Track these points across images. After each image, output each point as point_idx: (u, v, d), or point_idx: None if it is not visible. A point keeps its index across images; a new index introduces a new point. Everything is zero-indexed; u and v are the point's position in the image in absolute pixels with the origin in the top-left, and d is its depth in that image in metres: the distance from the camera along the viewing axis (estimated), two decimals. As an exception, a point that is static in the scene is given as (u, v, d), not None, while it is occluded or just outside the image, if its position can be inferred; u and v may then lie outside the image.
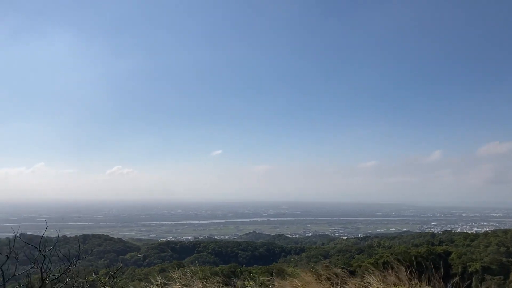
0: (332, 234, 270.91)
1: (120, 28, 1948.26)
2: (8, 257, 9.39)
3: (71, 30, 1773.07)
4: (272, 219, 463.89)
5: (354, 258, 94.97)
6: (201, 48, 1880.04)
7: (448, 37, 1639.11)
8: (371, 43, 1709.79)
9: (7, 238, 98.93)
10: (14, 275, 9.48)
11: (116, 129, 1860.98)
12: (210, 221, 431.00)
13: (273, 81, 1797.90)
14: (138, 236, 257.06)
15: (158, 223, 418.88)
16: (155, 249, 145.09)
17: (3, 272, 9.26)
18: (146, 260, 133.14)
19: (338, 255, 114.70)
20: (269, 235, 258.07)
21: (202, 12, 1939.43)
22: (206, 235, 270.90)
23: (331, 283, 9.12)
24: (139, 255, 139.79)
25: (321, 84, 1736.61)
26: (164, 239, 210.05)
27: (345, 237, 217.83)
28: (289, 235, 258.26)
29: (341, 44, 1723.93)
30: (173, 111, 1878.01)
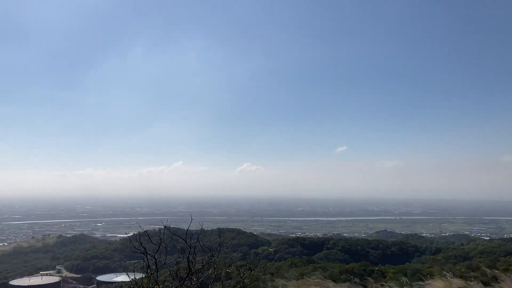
0: (472, 234, 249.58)
1: (241, 32, 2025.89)
2: (159, 247, 10.50)
3: (199, 39, 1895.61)
4: (404, 217, 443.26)
5: (499, 261, 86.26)
6: (321, 44, 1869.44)
7: None
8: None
9: (153, 229, 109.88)
10: (165, 263, 10.56)
11: (245, 128, 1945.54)
12: (338, 218, 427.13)
13: (399, 75, 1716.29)
14: (268, 231, 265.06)
15: (287, 218, 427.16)
16: (285, 244, 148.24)
17: (155, 260, 10.38)
18: (277, 255, 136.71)
19: (480, 257, 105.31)
20: (401, 234, 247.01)
21: (317, 8, 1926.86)
22: (335, 232, 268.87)
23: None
24: (270, 249, 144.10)
25: (449, 78, 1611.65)
26: (294, 235, 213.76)
27: (488, 238, 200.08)
28: (423, 234, 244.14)
29: (468, 37, 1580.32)
30: (298, 109, 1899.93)
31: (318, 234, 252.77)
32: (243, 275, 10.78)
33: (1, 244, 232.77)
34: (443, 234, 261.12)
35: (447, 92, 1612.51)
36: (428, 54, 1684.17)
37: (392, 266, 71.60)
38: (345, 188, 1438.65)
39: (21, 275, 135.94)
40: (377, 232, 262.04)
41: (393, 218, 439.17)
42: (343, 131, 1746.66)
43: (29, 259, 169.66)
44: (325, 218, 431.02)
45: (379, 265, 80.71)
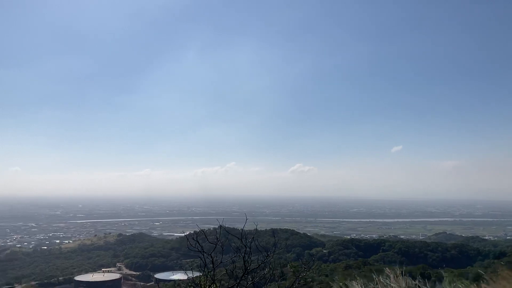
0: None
1: (293, 33, 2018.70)
2: (215, 246, 10.71)
3: (251, 41, 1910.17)
4: (464, 219, 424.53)
5: None
6: (372, 42, 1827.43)
7: None
8: None
9: (209, 229, 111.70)
10: (221, 262, 10.77)
11: (297, 128, 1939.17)
12: (394, 220, 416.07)
13: (458, 72, 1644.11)
14: (322, 232, 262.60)
15: (341, 220, 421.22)
16: (339, 245, 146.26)
17: (212, 259, 10.60)
18: (331, 256, 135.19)
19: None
20: (461, 236, 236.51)
21: (371, 6, 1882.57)
22: (391, 234, 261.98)
23: None
24: (324, 250, 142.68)
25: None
26: (348, 236, 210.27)
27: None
28: (486, 237, 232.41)
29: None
30: (351, 109, 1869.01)
31: (374, 235, 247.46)
32: (298, 276, 10.79)
33: (67, 241, 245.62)
34: (508, 237, 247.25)
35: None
36: (491, 50, 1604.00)
37: (452, 269, 68.83)
38: (401, 189, 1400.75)
39: (85, 271, 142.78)
40: (435, 234, 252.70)
41: (452, 219, 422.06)
42: (399, 130, 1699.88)
43: (91, 256, 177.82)
44: (381, 220, 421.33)
45: (439, 268, 77.88)
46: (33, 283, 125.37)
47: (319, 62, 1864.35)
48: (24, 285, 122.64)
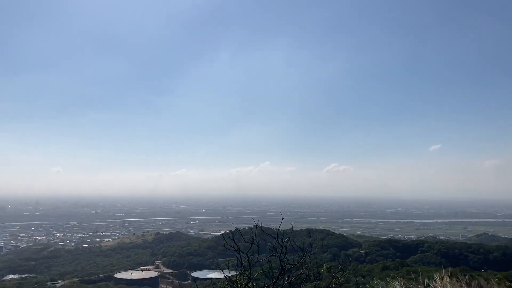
0: None
1: (327, 31, 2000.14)
2: (251, 245, 10.79)
3: (284, 40, 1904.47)
4: (508, 220, 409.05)
5: None
6: (408, 39, 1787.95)
7: None
8: None
9: (244, 228, 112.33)
10: (257, 261, 10.83)
11: (332, 127, 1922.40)
12: (433, 220, 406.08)
13: (500, 68, 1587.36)
14: (358, 233, 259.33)
15: (378, 220, 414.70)
16: (376, 246, 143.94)
17: (248, 258, 10.68)
18: (368, 257, 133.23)
19: None
20: (505, 238, 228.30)
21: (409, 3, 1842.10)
22: (430, 235, 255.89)
23: None
24: (361, 251, 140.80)
25: None
26: (385, 237, 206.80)
27: None
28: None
29: None
30: (387, 107, 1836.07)
31: (412, 236, 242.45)
32: (335, 276, 10.72)
33: (107, 240, 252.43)
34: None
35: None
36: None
37: (495, 272, 66.48)
38: (440, 189, 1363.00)
39: (124, 269, 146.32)
40: (477, 236, 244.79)
41: (495, 220, 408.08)
42: (437, 129, 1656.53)
43: (130, 254, 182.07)
44: (419, 220, 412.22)
45: (481, 270, 75.48)
46: (75, 279, 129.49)
47: (352, 60, 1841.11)
48: (66, 281, 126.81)
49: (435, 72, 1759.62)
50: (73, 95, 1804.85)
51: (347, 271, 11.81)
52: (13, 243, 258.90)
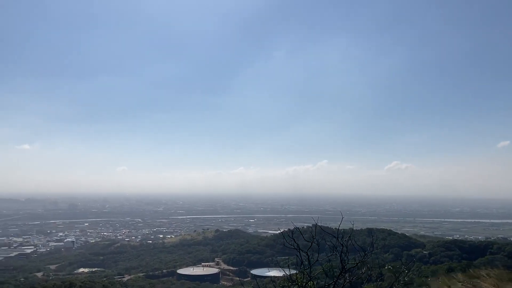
0: None
1: (384, 26, 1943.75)
2: (311, 244, 10.78)
3: (341, 37, 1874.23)
4: None
5: None
6: (472, 31, 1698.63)
7: None
8: None
9: (302, 227, 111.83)
10: (317, 260, 10.80)
11: (393, 124, 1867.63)
12: (503, 221, 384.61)
13: None
14: (422, 233, 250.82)
15: (442, 220, 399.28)
16: (441, 247, 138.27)
17: (308, 256, 10.68)
18: (432, 258, 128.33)
19: None
20: None
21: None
22: (499, 236, 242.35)
23: None
24: (424, 252, 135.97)
25: None
26: (451, 237, 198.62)
27: None
28: None
29: None
30: (451, 102, 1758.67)
31: (479, 237, 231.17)
32: (398, 277, 10.49)
33: (169, 236, 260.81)
34: None
35: None
36: None
37: None
38: (510, 187, 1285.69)
39: (186, 265, 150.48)
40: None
41: None
42: (505, 124, 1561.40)
43: (192, 251, 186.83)
44: (487, 220, 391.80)
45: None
46: (140, 274, 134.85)
47: (414, 54, 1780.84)
48: (132, 276, 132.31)
49: (503, 65, 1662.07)
50: (135, 97, 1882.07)
51: (410, 272, 11.51)
52: (83, 239, 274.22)
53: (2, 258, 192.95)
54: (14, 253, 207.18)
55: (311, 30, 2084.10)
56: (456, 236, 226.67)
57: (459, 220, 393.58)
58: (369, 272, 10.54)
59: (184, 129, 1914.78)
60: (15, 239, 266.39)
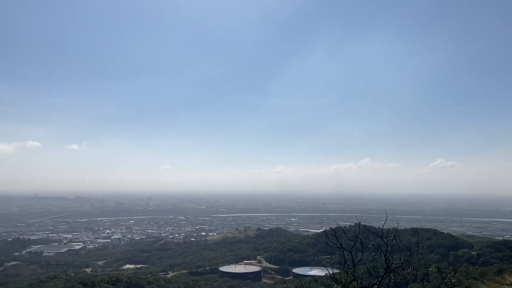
0: None
1: (428, 19, 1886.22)
2: (355, 243, 10.71)
3: (382, 34, 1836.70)
4: None
5: None
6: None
7: None
8: None
9: (345, 226, 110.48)
10: (361, 260, 10.72)
11: (437, 122, 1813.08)
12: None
13: None
14: (469, 233, 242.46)
15: (492, 219, 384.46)
16: (490, 247, 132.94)
17: (352, 255, 10.62)
18: (481, 259, 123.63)
19: None
20: None
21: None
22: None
23: None
24: (472, 252, 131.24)
25: None
26: (501, 238, 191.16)
27: None
28: None
29: None
30: (499, 98, 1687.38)
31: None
32: (445, 278, 10.25)
33: (212, 234, 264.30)
34: None
35: None
36: None
37: None
38: None
39: (228, 263, 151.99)
40: None
41: None
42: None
43: (234, 249, 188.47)
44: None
45: None
46: (183, 271, 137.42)
47: (459, 49, 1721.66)
48: (176, 272, 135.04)
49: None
50: (177, 97, 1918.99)
51: (458, 273, 11.23)
52: (129, 236, 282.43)
53: (53, 253, 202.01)
54: (64, 249, 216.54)
55: (352, 27, 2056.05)
56: (507, 237, 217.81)
57: (509, 220, 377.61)
58: (415, 272, 10.36)
59: (225, 128, 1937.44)
60: (65, 235, 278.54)
